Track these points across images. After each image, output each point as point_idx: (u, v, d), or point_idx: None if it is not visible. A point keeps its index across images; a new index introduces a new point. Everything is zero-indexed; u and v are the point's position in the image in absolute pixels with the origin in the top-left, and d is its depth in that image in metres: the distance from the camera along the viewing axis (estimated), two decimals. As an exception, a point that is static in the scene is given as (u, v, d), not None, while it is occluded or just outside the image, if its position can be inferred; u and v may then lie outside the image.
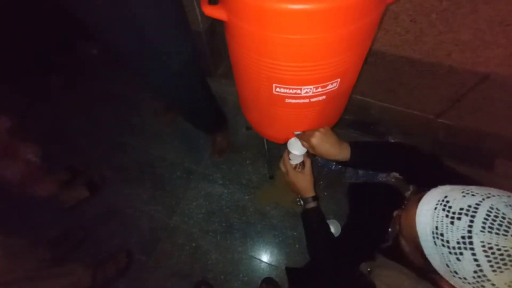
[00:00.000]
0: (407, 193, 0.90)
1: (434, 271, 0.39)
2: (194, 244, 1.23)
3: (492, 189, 0.37)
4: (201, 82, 1.04)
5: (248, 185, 1.32)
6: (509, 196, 0.34)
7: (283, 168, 0.82)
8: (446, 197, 0.37)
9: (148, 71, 0.84)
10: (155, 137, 1.49)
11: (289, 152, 0.81)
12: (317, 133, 0.70)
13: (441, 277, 0.38)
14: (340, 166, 1.28)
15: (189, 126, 1.29)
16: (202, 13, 1.20)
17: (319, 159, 1.31)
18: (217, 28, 1.37)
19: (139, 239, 1.25)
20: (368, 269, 0.65)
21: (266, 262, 1.18)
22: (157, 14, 0.71)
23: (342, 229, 0.99)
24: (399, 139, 1.30)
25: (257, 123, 0.90)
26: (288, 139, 0.84)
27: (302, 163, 0.82)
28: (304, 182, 0.76)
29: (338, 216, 1.22)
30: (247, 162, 1.37)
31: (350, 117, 1.40)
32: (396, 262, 0.57)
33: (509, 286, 0.31)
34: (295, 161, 0.81)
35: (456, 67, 0.98)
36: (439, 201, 0.38)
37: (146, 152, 1.45)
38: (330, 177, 1.30)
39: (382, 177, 1.22)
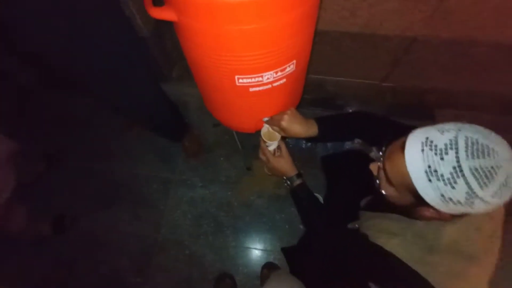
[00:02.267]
0: (372, 153, 1.00)
1: (424, 205, 0.44)
2: (187, 252, 1.22)
3: (454, 122, 0.43)
4: (155, 89, 1.01)
5: (228, 181, 1.34)
6: (470, 125, 0.42)
7: (263, 158, 0.85)
8: (427, 138, 0.42)
9: (102, 88, 0.80)
10: (124, 155, 1.42)
11: (264, 141, 0.84)
12: (285, 116, 0.75)
13: (425, 207, 0.45)
14: (309, 144, 1.36)
15: (156, 136, 1.25)
16: (143, 18, 1.16)
17: (289, 140, 1.38)
18: (163, 30, 1.33)
19: (130, 261, 1.20)
20: (356, 225, 0.73)
21: (261, 249, 1.22)
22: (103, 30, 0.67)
23: (324, 199, 1.07)
24: (357, 108, 1.42)
25: (225, 117, 0.91)
26: (258, 127, 0.87)
27: (279, 147, 0.86)
28: (286, 164, 0.80)
29: (317, 190, 1.30)
30: (222, 159, 1.38)
31: (309, 96, 1.48)
32: (378, 212, 0.65)
33: (492, 196, 0.37)
34: (272, 147, 0.84)
35: (389, 35, 1.10)
36: (423, 143, 0.42)
37: (118, 172, 1.38)
38: (303, 156, 1.37)
39: (347, 145, 1.33)
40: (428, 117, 1.42)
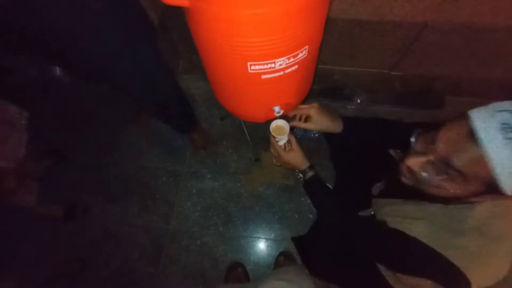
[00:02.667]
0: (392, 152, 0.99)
1: (490, 193, 0.43)
2: (198, 242, 1.23)
3: (508, 101, 0.42)
4: (169, 78, 1.02)
5: (236, 173, 1.34)
6: None
7: (274, 153, 0.85)
8: (502, 123, 0.39)
9: (119, 76, 0.81)
10: (131, 149, 1.43)
11: (274, 136, 0.83)
12: (314, 106, 0.78)
13: (486, 195, 0.44)
14: (317, 134, 1.35)
15: (163, 128, 1.26)
16: (151, 10, 1.15)
17: (297, 130, 1.37)
18: (168, 23, 1.32)
19: (142, 253, 1.22)
20: (372, 213, 0.73)
21: (272, 239, 1.23)
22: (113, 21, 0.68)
23: (334, 188, 1.07)
24: (364, 97, 1.41)
25: (235, 106, 0.91)
26: (268, 116, 0.87)
27: (288, 141, 0.86)
28: (297, 158, 0.80)
29: (327, 180, 1.30)
30: (230, 151, 1.39)
31: (317, 86, 1.47)
32: (394, 199, 0.64)
33: None
34: (282, 141, 0.84)
35: (399, 21, 1.08)
36: (502, 129, 0.38)
37: (126, 166, 1.39)
38: (311, 146, 1.37)
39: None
40: (437, 105, 1.41)
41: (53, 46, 0.71)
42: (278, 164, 0.89)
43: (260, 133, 1.37)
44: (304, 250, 1.02)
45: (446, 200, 0.51)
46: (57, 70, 1.61)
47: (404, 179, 0.55)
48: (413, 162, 0.50)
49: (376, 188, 0.86)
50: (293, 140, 0.83)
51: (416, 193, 0.54)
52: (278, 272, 0.92)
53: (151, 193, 1.33)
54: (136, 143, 1.44)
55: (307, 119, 0.82)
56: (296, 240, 1.07)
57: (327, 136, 0.85)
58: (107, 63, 0.77)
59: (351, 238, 0.70)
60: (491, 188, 0.41)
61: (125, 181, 1.36)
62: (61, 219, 1.25)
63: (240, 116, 0.99)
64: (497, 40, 1.08)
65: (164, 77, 1.00)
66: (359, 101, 1.38)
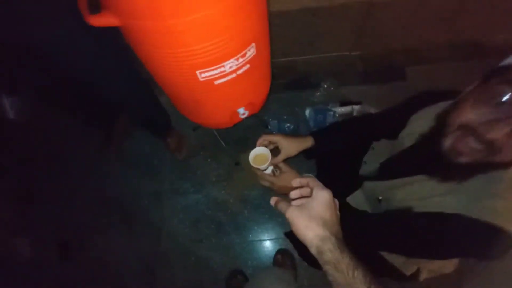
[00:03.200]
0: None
1: None
2: (193, 258, 1.21)
3: None
4: (140, 82, 1.01)
5: (219, 181, 1.32)
6: None
7: (266, 184, 0.80)
8: None
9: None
10: (108, 176, 1.37)
11: (258, 168, 0.78)
12: (278, 136, 0.82)
13: None
14: (292, 126, 1.35)
15: (137, 149, 1.21)
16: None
17: (271, 128, 1.37)
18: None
19: (137, 279, 1.18)
20: (380, 197, 0.71)
21: (266, 239, 1.22)
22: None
23: (318, 177, 1.07)
24: (330, 82, 1.42)
25: (197, 116, 0.89)
26: (234, 120, 0.85)
27: (275, 166, 0.81)
28: (293, 177, 0.76)
29: (307, 170, 1.30)
30: (209, 160, 1.36)
31: (283, 80, 1.47)
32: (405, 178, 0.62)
33: None
34: (269, 169, 0.80)
35: (346, 3, 1.09)
36: None
37: (105, 195, 1.33)
38: None
39: (329, 118, 1.32)
40: (399, 77, 1.45)
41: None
42: (281, 193, 0.82)
43: (234, 136, 1.35)
44: (300, 244, 1.01)
45: (480, 170, 0.48)
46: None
47: (463, 159, 0.48)
48: (501, 131, 0.42)
49: (367, 168, 0.85)
50: (281, 163, 0.79)
51: (428, 168, 0.54)
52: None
53: (136, 218, 1.28)
54: (112, 170, 1.38)
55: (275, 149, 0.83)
56: (289, 235, 1.06)
57: (302, 152, 0.84)
58: (86, 73, 0.82)
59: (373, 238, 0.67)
60: None
61: (107, 211, 1.30)
62: (56, 260, 1.18)
63: (206, 125, 0.97)
64: (439, 2, 1.12)
65: (141, 85, 0.99)
66: (325, 86, 1.39)
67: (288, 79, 1.48)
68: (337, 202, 0.46)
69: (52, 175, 1.39)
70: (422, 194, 0.57)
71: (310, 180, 0.49)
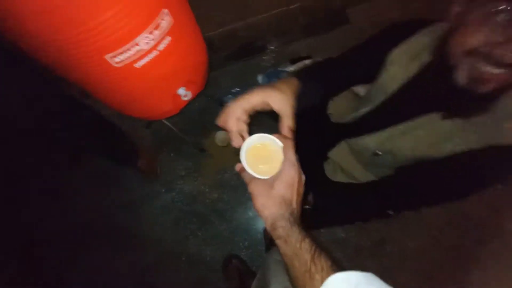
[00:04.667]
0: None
1: None
2: (184, 258, 1.17)
3: None
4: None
5: (189, 173, 1.26)
6: None
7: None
8: None
9: None
10: (79, 195, 1.25)
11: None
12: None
13: None
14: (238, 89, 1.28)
15: (103, 163, 1.11)
16: None
17: (224, 99, 1.28)
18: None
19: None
20: (378, 152, 0.67)
21: (251, 217, 1.21)
22: None
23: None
24: (276, 42, 1.36)
25: (138, 111, 0.81)
26: (178, 104, 0.78)
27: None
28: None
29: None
30: (172, 155, 1.29)
31: (227, 51, 1.38)
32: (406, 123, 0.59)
33: None
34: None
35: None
36: None
37: (79, 216, 1.23)
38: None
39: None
40: (343, 21, 1.42)
41: None
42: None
43: (190, 123, 1.28)
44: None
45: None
46: None
47: (486, 87, 0.44)
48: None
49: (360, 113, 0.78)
50: (289, 130, 0.48)
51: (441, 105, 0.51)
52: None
53: (116, 233, 1.21)
54: (81, 188, 1.27)
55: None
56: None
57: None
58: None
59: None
60: None
61: (85, 232, 1.21)
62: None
63: (152, 117, 0.89)
64: None
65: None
66: (272, 48, 1.34)
67: (232, 49, 1.39)
68: (303, 177, 0.44)
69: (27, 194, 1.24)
70: (437, 137, 0.54)
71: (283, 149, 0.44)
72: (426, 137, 0.55)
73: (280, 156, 0.42)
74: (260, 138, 0.44)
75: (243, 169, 0.44)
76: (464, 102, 0.49)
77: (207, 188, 1.24)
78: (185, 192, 1.24)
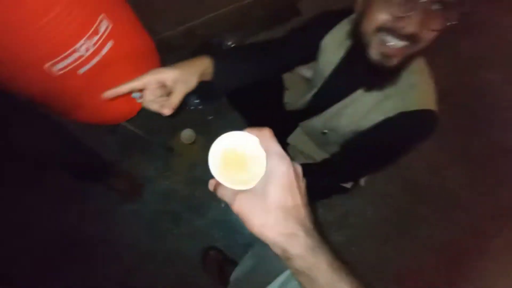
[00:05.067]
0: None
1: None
2: (161, 258, 1.20)
3: None
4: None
5: (160, 174, 1.28)
6: None
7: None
8: None
9: None
10: (36, 215, 1.20)
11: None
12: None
13: None
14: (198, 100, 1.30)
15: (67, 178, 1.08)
16: None
17: (187, 104, 1.30)
18: None
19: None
20: (324, 131, 0.75)
21: (225, 209, 1.25)
22: None
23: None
24: (234, 38, 1.40)
25: (95, 117, 0.81)
26: (134, 108, 0.80)
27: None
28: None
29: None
30: (140, 157, 1.29)
31: (186, 50, 1.40)
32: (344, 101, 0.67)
33: None
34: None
35: None
36: None
37: (39, 236, 1.19)
38: (199, 120, 1.32)
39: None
40: (296, 13, 1.48)
41: None
42: None
43: (153, 124, 1.28)
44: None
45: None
46: None
47: (394, 60, 0.52)
48: (415, 22, 0.46)
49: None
50: (178, 100, 0.53)
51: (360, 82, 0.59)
52: None
53: (89, 245, 1.20)
54: (45, 204, 1.22)
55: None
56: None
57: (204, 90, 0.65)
58: None
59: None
60: None
61: (54, 249, 1.19)
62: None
63: (110, 122, 0.89)
64: None
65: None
66: (229, 43, 1.37)
67: (190, 47, 1.41)
68: (299, 169, 0.33)
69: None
70: (363, 110, 0.62)
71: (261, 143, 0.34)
72: (355, 112, 0.64)
73: (260, 155, 0.32)
74: (228, 140, 0.34)
75: (218, 185, 0.34)
76: (378, 76, 0.57)
77: (179, 187, 1.27)
78: (157, 193, 1.26)
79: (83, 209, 1.23)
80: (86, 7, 0.53)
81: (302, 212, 0.31)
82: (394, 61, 0.52)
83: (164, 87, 0.53)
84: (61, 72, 0.56)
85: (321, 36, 0.70)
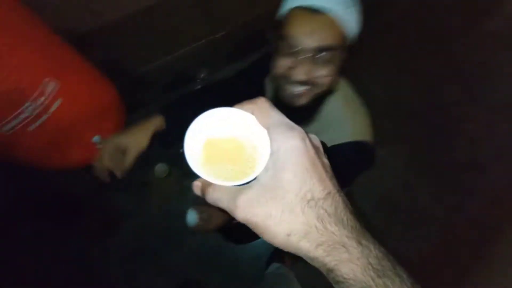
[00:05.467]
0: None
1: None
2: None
3: None
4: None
5: (140, 211, 1.29)
6: None
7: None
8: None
9: None
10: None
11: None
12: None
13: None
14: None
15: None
16: None
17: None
18: None
19: None
20: None
21: (201, 240, 1.24)
22: None
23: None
24: (206, 71, 1.45)
25: (56, 166, 0.82)
26: (95, 153, 0.81)
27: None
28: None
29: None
30: (115, 194, 1.30)
31: (159, 85, 1.45)
32: None
33: None
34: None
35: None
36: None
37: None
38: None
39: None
40: (265, 43, 1.53)
41: None
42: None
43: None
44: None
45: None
46: None
47: (301, 100, 0.55)
48: (302, 72, 0.51)
49: None
50: (131, 161, 0.65)
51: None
52: None
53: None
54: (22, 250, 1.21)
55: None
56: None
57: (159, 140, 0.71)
58: None
59: None
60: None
61: None
62: None
63: (74, 167, 0.91)
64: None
65: None
66: (202, 76, 1.42)
67: (164, 81, 1.46)
68: (317, 140, 0.27)
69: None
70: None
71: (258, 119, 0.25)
72: None
73: (260, 132, 0.24)
74: (211, 123, 0.25)
75: (207, 187, 0.24)
76: (295, 114, 0.60)
77: (156, 221, 1.27)
78: (135, 230, 1.26)
79: (57, 251, 1.23)
80: (28, 75, 0.56)
81: (340, 202, 0.21)
82: (304, 100, 0.55)
83: (119, 149, 0.61)
84: (11, 131, 0.59)
85: (264, 75, 0.75)
